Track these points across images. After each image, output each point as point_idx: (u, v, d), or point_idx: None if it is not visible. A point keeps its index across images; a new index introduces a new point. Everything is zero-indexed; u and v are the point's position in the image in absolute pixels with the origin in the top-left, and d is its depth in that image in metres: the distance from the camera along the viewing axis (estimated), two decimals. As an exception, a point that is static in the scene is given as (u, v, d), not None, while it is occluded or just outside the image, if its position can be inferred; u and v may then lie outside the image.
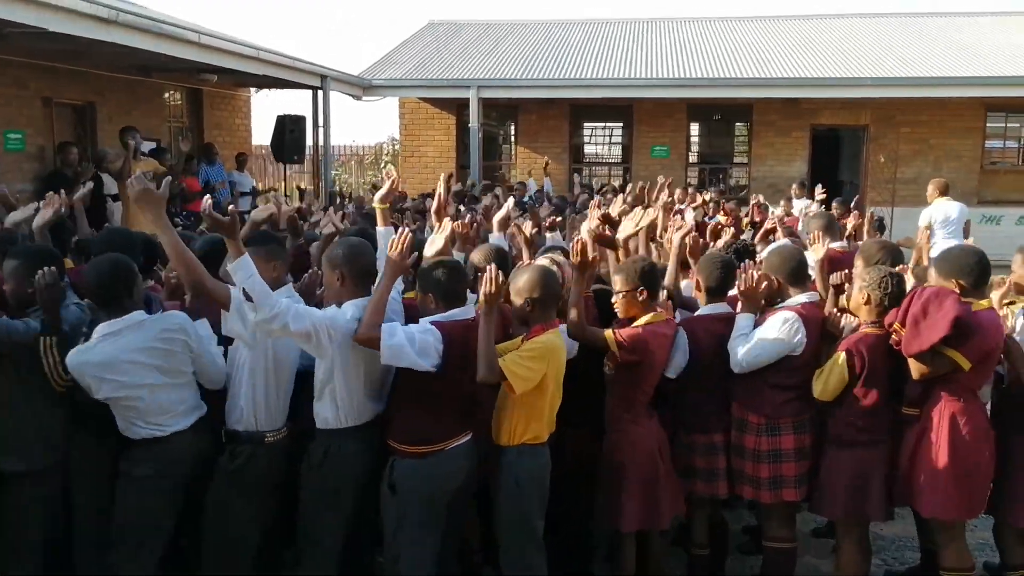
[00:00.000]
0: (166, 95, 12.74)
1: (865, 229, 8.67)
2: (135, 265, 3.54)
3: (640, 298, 3.98)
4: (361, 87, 14.49)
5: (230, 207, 3.28)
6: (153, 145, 11.59)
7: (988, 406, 4.17)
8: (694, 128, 17.00)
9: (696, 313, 4.33)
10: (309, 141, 14.33)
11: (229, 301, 3.40)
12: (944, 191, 9.48)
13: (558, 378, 3.73)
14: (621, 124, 16.84)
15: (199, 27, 9.46)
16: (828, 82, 14.33)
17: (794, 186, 13.29)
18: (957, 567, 4.02)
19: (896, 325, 3.89)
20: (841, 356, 3.97)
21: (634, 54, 16.41)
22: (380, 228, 4.06)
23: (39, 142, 9.62)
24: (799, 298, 4.16)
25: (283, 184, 15.35)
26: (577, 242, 3.92)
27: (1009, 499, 4.08)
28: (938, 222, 9.15)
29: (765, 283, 4.17)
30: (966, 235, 8.78)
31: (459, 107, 15.96)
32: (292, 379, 3.68)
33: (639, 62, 15.77)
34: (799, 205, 12.47)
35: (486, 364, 3.46)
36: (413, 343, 3.38)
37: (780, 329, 4.02)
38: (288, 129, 13.88)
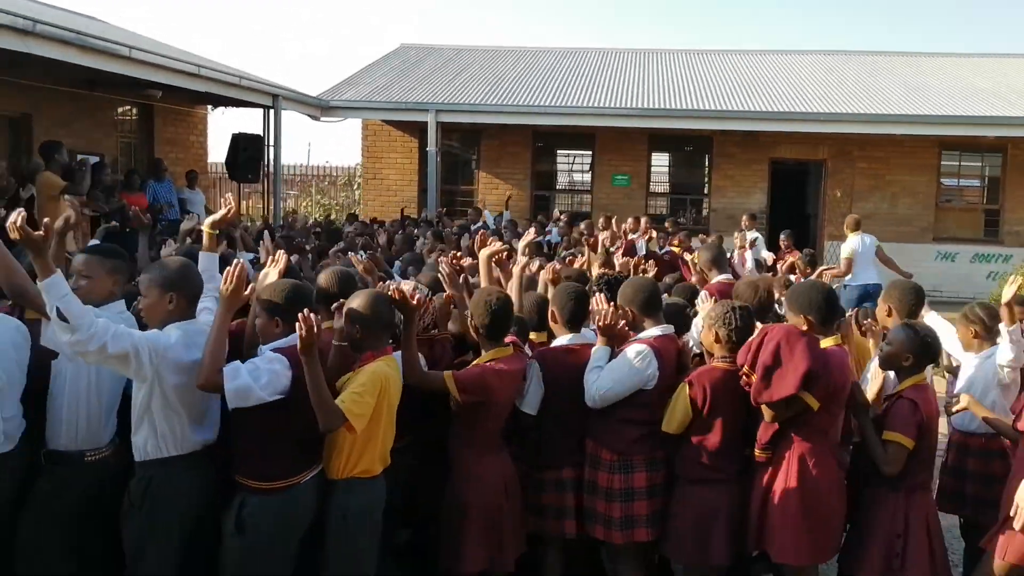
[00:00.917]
0: (120, 109, 12.66)
1: (799, 265, 8.81)
2: None
3: (482, 334, 3.88)
4: (319, 107, 14.43)
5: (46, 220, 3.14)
6: (96, 159, 11.52)
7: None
8: (661, 158, 16.99)
9: (552, 344, 4.22)
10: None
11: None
12: (856, 227, 10.47)
13: (391, 408, 3.58)
14: (585, 152, 16.81)
15: (135, 42, 9.36)
16: (783, 116, 14.38)
17: (745, 217, 13.25)
18: (809, 611, 3.91)
19: (746, 368, 3.77)
20: (683, 388, 3.87)
21: (599, 83, 16.43)
22: (203, 253, 3.94)
23: (-19, 156, 9.53)
24: (653, 331, 4.05)
25: (239, 204, 15.20)
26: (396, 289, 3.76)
27: (853, 550, 3.95)
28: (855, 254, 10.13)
29: (621, 317, 4.07)
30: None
31: (421, 131, 15.84)
32: (118, 393, 3.50)
33: (602, 91, 15.78)
34: (749, 237, 12.46)
35: (324, 413, 3.26)
36: (259, 379, 3.24)
37: (632, 362, 3.90)
38: (242, 147, 13.78)
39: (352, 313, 3.57)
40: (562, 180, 17.31)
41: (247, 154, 13.67)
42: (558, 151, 17.12)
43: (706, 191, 16.52)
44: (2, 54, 7.61)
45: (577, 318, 4.14)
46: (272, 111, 12.95)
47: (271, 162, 13.27)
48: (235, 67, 12.25)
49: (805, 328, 3.88)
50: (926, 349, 3.85)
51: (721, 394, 3.84)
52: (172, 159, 13.20)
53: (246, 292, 3.45)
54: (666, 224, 13.01)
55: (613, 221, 12.15)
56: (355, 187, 22.08)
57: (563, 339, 4.15)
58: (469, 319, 3.95)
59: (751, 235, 12.50)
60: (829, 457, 3.86)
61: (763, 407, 3.78)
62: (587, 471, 4.03)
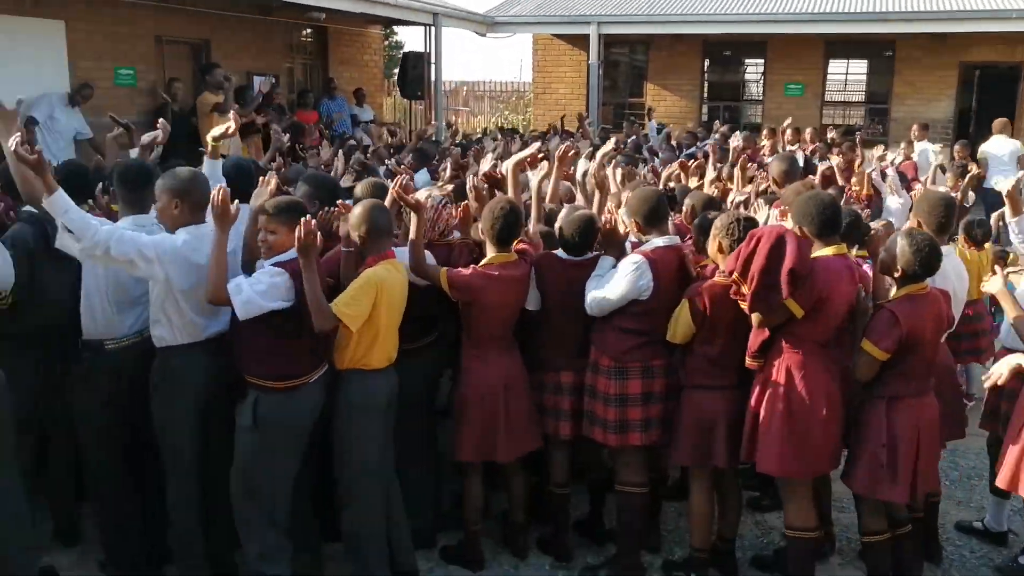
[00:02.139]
0: (295, 33, 13.51)
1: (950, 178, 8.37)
2: None
3: (489, 239, 4.13)
4: (485, 24, 14.73)
5: (37, 147, 3.67)
6: (273, 80, 12.45)
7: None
8: (839, 66, 16.03)
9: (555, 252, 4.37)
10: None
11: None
12: (1001, 129, 10.30)
13: (392, 308, 3.88)
14: (756, 60, 16.14)
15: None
16: (976, 15, 13.10)
17: (915, 127, 12.37)
18: (799, 526, 3.93)
19: (736, 276, 3.77)
20: (685, 303, 3.95)
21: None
22: (207, 160, 4.34)
23: (150, 78, 10.59)
24: (655, 242, 4.10)
25: (409, 118, 15.92)
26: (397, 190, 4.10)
27: (850, 464, 3.93)
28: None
29: (622, 226, 4.18)
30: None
31: (589, 44, 15.86)
32: (133, 290, 3.96)
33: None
34: (919, 148, 11.68)
35: (318, 314, 3.61)
36: (261, 291, 3.61)
37: (626, 273, 4.00)
38: (411, 65, 14.43)
39: (352, 220, 3.92)
40: (732, 91, 16.74)
41: (416, 72, 14.29)
42: (728, 61, 16.52)
43: (887, 100, 15.46)
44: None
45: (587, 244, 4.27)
46: (433, 28, 13.37)
47: (432, 79, 13.74)
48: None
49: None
50: (918, 261, 3.69)
51: (721, 307, 3.87)
52: (347, 78, 13.98)
53: (233, 211, 3.75)
54: (831, 135, 12.38)
55: (781, 132, 11.79)
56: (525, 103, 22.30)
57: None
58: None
59: (922, 146, 11.73)
60: (820, 368, 3.80)
61: (753, 315, 3.79)
62: (588, 376, 4.20)
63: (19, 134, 3.62)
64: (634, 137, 12.68)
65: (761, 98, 15.94)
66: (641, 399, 4.10)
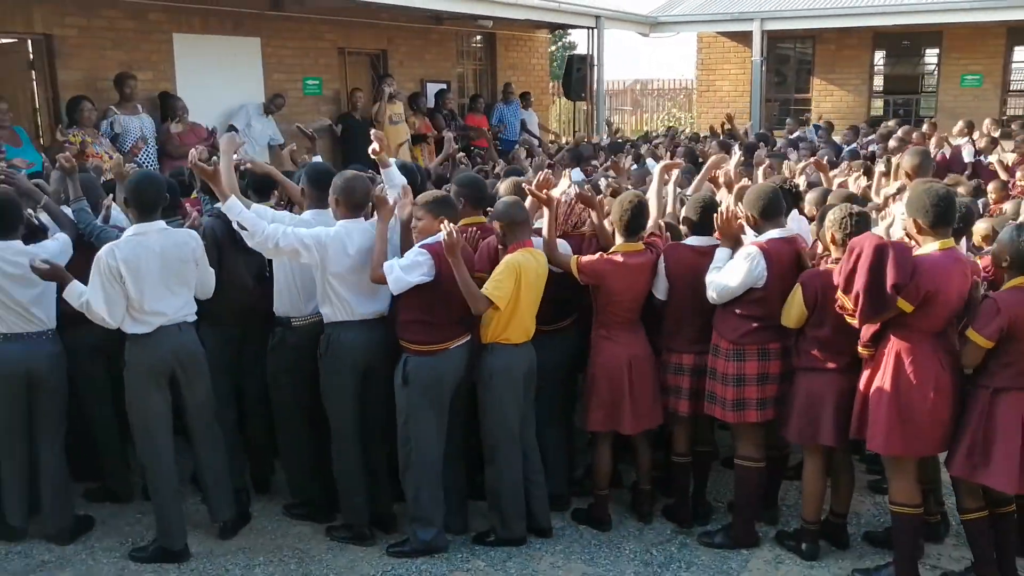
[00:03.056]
0: (465, 40, 14.31)
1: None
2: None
3: (617, 229, 4.58)
4: (648, 24, 15.06)
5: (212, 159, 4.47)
6: (444, 86, 13.31)
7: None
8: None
9: (684, 243, 4.76)
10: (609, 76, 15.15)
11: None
12: None
13: (529, 288, 4.41)
14: (930, 51, 15.61)
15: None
16: None
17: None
18: (903, 502, 4.15)
19: (839, 295, 4.01)
20: (798, 288, 4.25)
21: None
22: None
23: (334, 87, 11.61)
24: (770, 234, 4.42)
25: (573, 119, 16.41)
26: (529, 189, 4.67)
27: (953, 449, 4.08)
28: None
29: (738, 220, 4.52)
30: None
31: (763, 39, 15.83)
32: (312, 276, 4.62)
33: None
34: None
35: (472, 300, 4.26)
36: (407, 269, 4.27)
37: (742, 263, 4.35)
38: (576, 68, 14.96)
39: (494, 215, 4.48)
40: (905, 84, 16.26)
41: (579, 74, 14.81)
42: (900, 53, 16.06)
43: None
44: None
45: (705, 222, 4.65)
46: (595, 31, 13.83)
47: (594, 80, 14.20)
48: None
49: (914, 230, 4.06)
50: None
51: (832, 292, 4.11)
52: (515, 82, 14.61)
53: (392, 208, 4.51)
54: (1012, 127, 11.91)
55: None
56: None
57: (690, 240, 4.70)
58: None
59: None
60: (929, 354, 3.98)
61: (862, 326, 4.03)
62: (710, 358, 4.56)
63: (202, 148, 4.43)
64: (797, 133, 12.70)
65: (935, 90, 15.42)
66: (757, 379, 4.43)
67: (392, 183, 4.81)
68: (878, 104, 16.50)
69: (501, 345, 4.47)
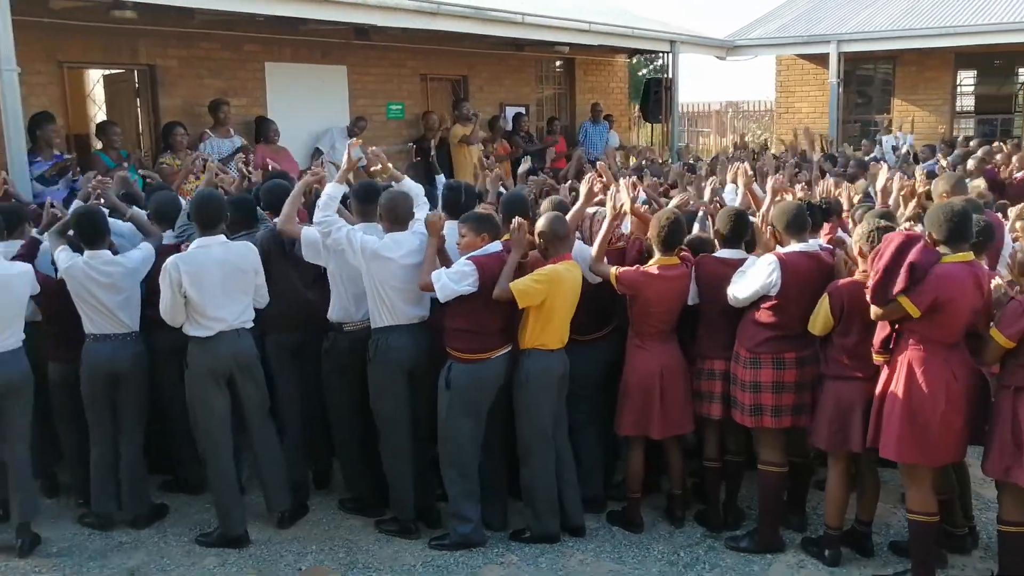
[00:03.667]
0: (544, 65, 14.71)
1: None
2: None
3: (656, 244, 4.86)
4: (725, 48, 15.21)
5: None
6: (522, 110, 13.73)
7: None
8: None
9: (713, 255, 4.99)
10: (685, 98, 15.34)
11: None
12: None
13: (564, 298, 4.73)
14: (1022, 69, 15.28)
15: (524, 10, 11.12)
16: None
17: None
18: (918, 510, 4.29)
19: (869, 275, 4.21)
20: (825, 297, 4.45)
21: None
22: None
23: (416, 111, 12.13)
24: (792, 247, 4.63)
25: (649, 139, 16.60)
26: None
27: (985, 451, 4.21)
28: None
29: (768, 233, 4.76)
30: None
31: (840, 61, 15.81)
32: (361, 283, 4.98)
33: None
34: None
35: (499, 284, 4.63)
36: (454, 279, 4.63)
37: (759, 270, 4.58)
38: (653, 90, 15.23)
39: (538, 231, 4.82)
40: (994, 103, 15.94)
41: (656, 96, 15.06)
42: (989, 72, 15.78)
43: None
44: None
45: (736, 235, 4.90)
46: (671, 55, 14.06)
47: (669, 102, 14.41)
48: (639, 19, 13.55)
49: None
50: None
51: (858, 302, 4.30)
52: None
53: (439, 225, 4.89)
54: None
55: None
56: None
57: (721, 252, 4.94)
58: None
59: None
60: (940, 364, 4.12)
61: (872, 305, 4.19)
62: (731, 364, 4.79)
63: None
64: (873, 154, 12.64)
65: (1021, 110, 15.10)
66: (772, 387, 4.63)
67: (420, 204, 5.30)
68: (967, 124, 16.22)
69: (537, 350, 4.79)
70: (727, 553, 4.83)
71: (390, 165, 5.61)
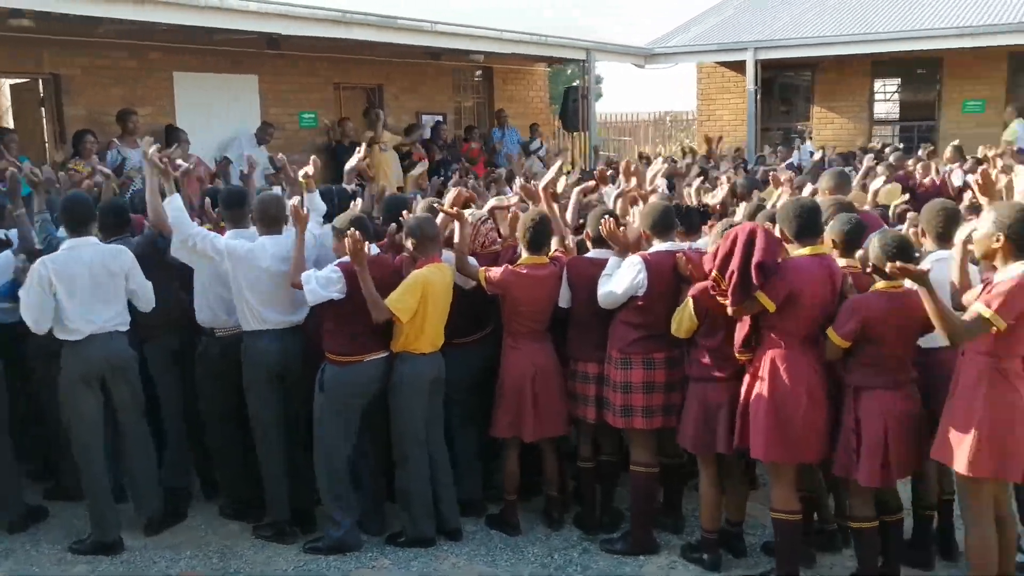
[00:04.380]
0: (461, 74, 14.72)
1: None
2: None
3: (524, 244, 4.85)
4: (643, 56, 15.38)
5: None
6: (440, 118, 13.72)
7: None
8: (1025, 78, 15.28)
9: (585, 256, 5.01)
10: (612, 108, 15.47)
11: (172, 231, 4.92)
12: None
13: (436, 303, 4.71)
14: (930, 79, 15.65)
15: (437, 18, 11.11)
16: None
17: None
18: (781, 509, 4.30)
19: (715, 274, 4.20)
20: (689, 300, 4.46)
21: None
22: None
23: (330, 120, 12.04)
24: (658, 247, 4.67)
25: (574, 149, 16.66)
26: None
27: (835, 449, 4.24)
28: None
29: (625, 232, 4.78)
30: None
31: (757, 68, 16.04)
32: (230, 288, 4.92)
33: (950, 9, 14.58)
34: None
35: (373, 307, 4.55)
36: (322, 284, 4.58)
37: (625, 271, 4.59)
38: (572, 99, 15.33)
39: (406, 230, 4.79)
40: (916, 110, 16.26)
41: (575, 105, 15.17)
42: (897, 79, 16.13)
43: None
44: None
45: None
46: (586, 63, 14.16)
47: (585, 111, 14.52)
48: (554, 27, 13.64)
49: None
50: (886, 259, 3.94)
51: (720, 306, 4.28)
52: (512, 114, 14.96)
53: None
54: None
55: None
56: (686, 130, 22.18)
57: (591, 253, 4.95)
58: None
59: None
60: (801, 361, 4.15)
61: (732, 307, 4.19)
62: (604, 366, 4.80)
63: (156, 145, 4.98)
64: (790, 160, 12.82)
65: (935, 117, 15.45)
66: (643, 387, 4.64)
67: (314, 208, 5.21)
68: (887, 132, 16.55)
69: (409, 354, 4.76)
70: (601, 555, 4.82)
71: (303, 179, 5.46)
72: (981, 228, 3.85)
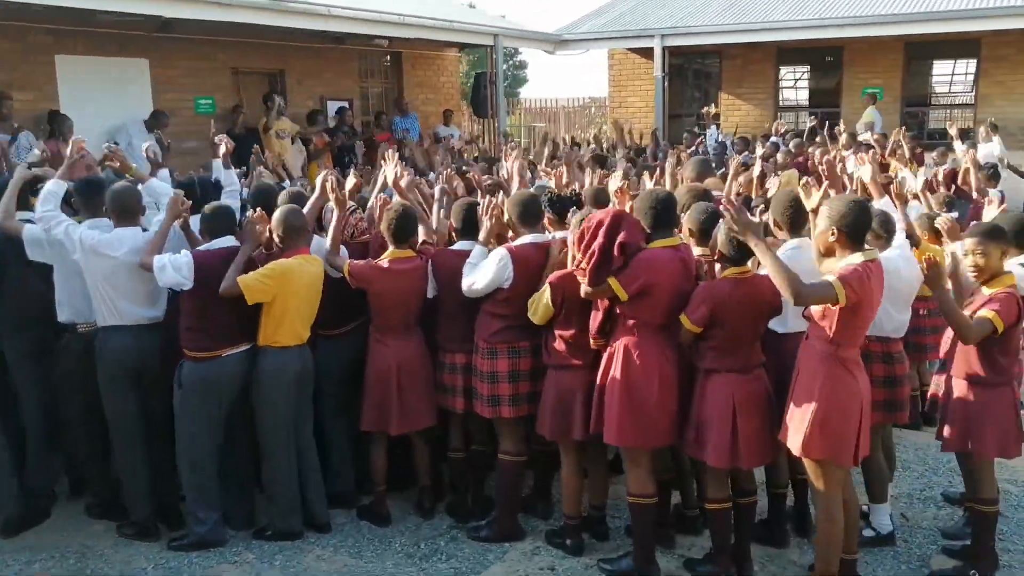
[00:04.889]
0: (368, 59, 14.52)
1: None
2: None
3: (387, 238, 4.79)
4: (552, 42, 15.38)
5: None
6: (345, 104, 13.52)
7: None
8: (921, 67, 15.71)
9: (449, 248, 4.98)
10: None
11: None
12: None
13: (299, 295, 4.63)
14: (831, 67, 16.00)
15: (333, 2, 10.90)
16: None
17: (983, 127, 12.08)
18: (636, 493, 4.34)
19: (578, 258, 4.21)
20: (546, 288, 4.46)
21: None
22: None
23: (228, 106, 11.76)
24: (524, 239, 4.65)
25: (484, 136, 16.63)
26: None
27: (684, 430, 4.30)
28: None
29: (494, 220, 4.76)
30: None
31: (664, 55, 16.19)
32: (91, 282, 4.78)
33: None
34: (985, 150, 11.41)
35: (226, 279, 4.48)
36: (175, 267, 4.48)
37: (491, 264, 4.57)
38: (482, 85, 15.27)
39: (273, 222, 4.70)
40: (802, 98, 16.63)
41: (485, 91, 15.11)
42: (799, 67, 16.46)
43: (972, 100, 15.06)
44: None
45: (469, 227, 4.87)
46: (493, 48, 14.11)
47: (494, 96, 14.49)
48: (460, 12, 13.54)
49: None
50: (732, 247, 4.04)
51: (577, 294, 4.32)
52: (423, 100, 14.90)
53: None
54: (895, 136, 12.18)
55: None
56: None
57: (457, 245, 4.92)
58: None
59: (988, 147, 11.46)
60: (653, 348, 4.19)
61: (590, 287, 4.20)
62: (472, 356, 4.78)
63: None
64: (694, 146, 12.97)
65: (838, 104, 15.79)
66: (509, 376, 4.64)
67: (154, 195, 5.14)
68: (792, 118, 16.85)
69: (271, 348, 4.67)
70: (467, 543, 4.82)
71: (133, 165, 5.39)
72: (818, 225, 3.95)
